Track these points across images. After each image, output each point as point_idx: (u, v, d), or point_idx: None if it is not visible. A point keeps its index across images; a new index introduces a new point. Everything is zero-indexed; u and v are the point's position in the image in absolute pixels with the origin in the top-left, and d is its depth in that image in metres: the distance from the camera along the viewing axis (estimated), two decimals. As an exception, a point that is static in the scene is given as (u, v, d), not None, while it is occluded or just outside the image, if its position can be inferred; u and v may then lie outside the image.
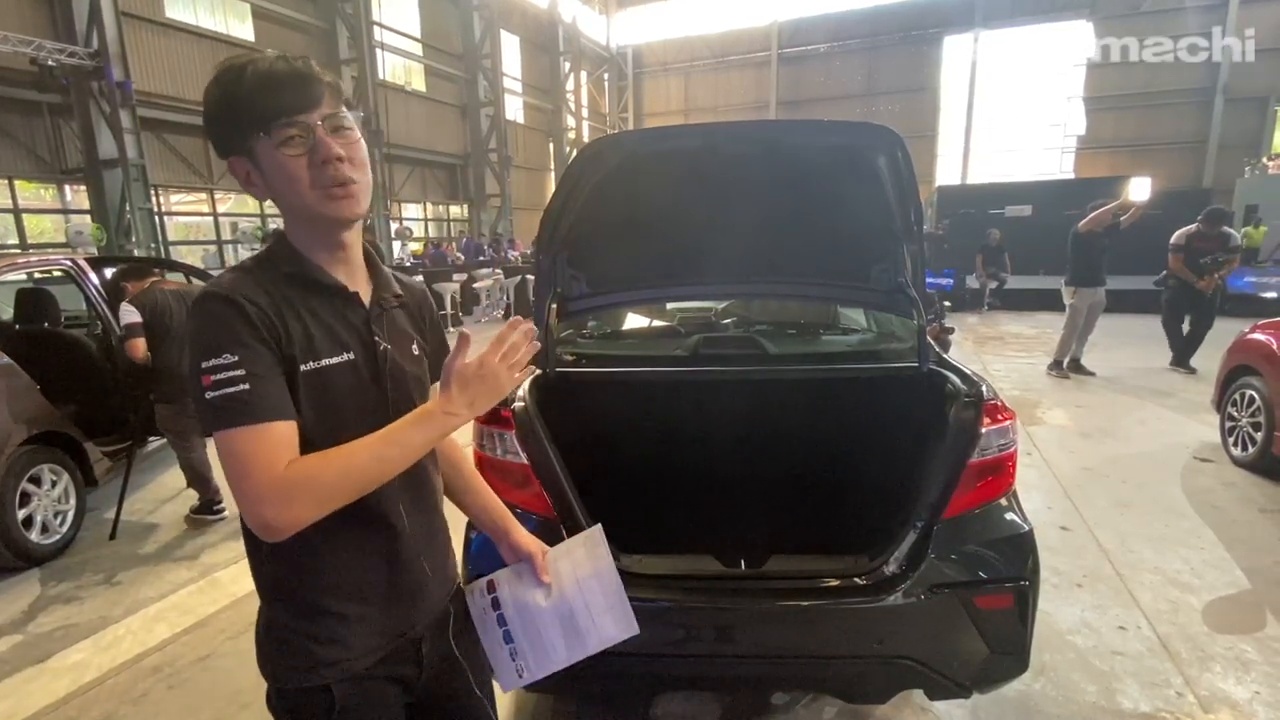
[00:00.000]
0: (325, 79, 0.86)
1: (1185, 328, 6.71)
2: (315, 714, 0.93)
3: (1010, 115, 22.20)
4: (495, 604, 1.16)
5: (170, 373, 3.45)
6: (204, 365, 0.80)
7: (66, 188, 11.36)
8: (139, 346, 3.37)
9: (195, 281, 4.68)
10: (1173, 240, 6.56)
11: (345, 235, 0.93)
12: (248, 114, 0.82)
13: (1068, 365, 6.80)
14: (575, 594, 1.15)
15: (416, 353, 1.03)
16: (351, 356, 0.92)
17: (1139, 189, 6.71)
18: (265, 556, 0.93)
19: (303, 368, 0.87)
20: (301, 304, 0.89)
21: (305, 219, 0.90)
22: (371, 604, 0.95)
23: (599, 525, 1.23)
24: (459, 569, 1.24)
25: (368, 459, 0.82)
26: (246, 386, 0.79)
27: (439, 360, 1.08)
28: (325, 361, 0.89)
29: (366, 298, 0.97)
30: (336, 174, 0.85)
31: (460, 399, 0.86)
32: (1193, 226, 6.45)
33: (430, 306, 1.12)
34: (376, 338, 0.95)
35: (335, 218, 0.88)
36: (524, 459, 1.76)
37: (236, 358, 0.80)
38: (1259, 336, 4.25)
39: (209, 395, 0.79)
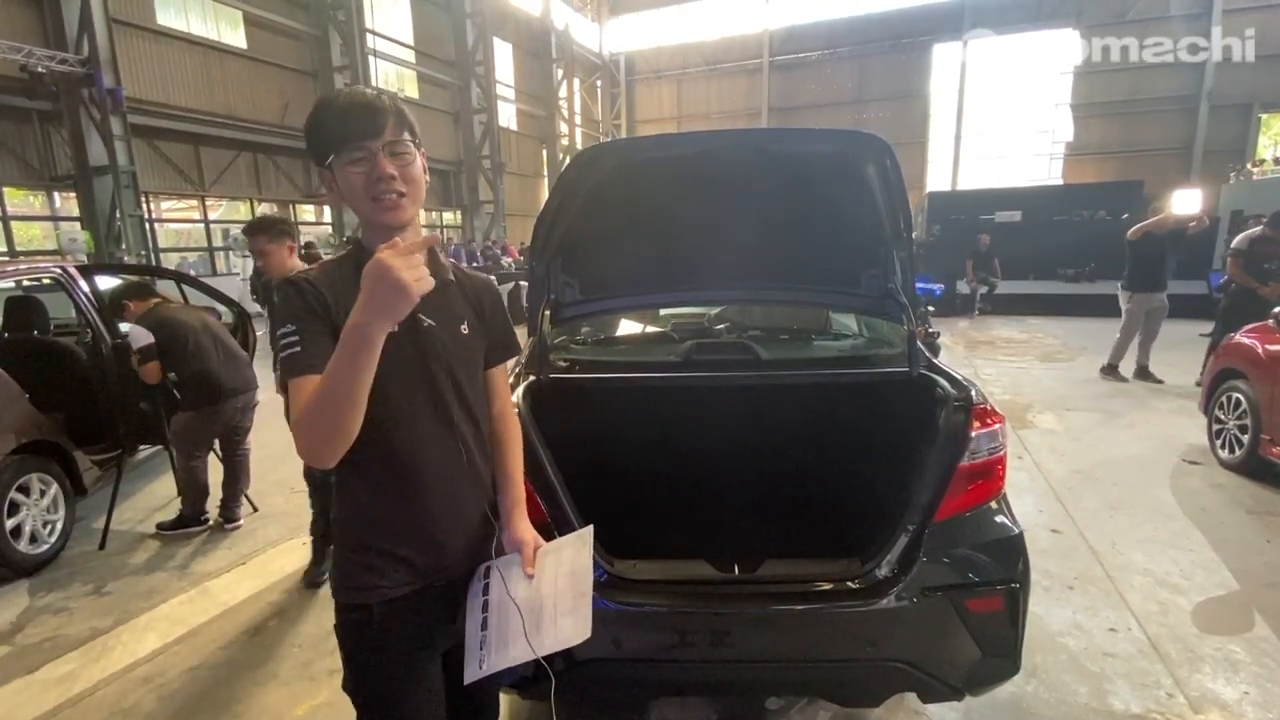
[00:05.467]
0: (392, 112, 1.07)
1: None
2: (360, 624, 1.14)
3: (999, 122, 22.45)
4: (485, 590, 1.22)
5: (198, 380, 3.48)
6: (277, 334, 1.04)
7: (56, 194, 11.28)
8: (155, 370, 3.43)
9: (188, 290, 4.65)
10: (1234, 244, 6.13)
11: (397, 235, 1.08)
12: (329, 137, 1.05)
13: (1134, 374, 6.60)
14: (549, 591, 1.19)
15: (466, 332, 1.21)
16: (394, 328, 1.06)
17: (1184, 202, 6.56)
18: (335, 496, 1.17)
19: None
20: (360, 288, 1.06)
21: (365, 222, 1.12)
22: (406, 546, 1.14)
23: (590, 526, 1.26)
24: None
25: (318, 387, 0.96)
26: (298, 349, 1.01)
27: (500, 345, 1.29)
28: None
29: None
30: (386, 188, 1.06)
31: (359, 304, 0.91)
32: (1257, 230, 6.00)
33: (492, 296, 1.31)
34: (420, 314, 1.10)
35: (381, 223, 1.08)
36: (518, 464, 1.76)
37: (294, 327, 1.03)
38: (1245, 340, 4.31)
39: (278, 356, 1.03)
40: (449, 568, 1.20)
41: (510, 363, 1.37)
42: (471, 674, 1.19)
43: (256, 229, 3.04)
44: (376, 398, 1.05)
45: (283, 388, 1.05)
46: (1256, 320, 5.83)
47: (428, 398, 1.14)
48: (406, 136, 1.08)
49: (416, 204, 1.10)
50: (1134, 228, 6.40)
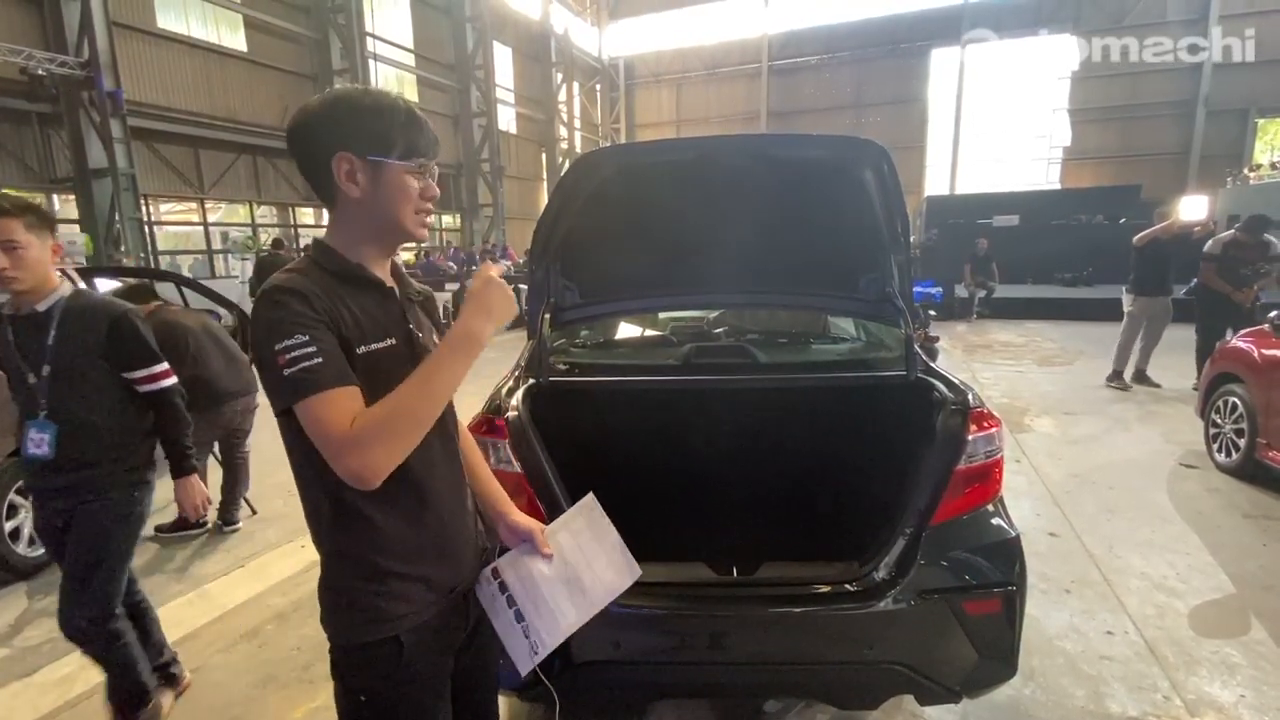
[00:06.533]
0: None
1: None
2: (384, 662, 1.05)
3: (997, 127, 22.52)
4: (503, 588, 1.22)
5: (198, 383, 3.46)
6: (278, 347, 0.92)
7: (55, 197, 11.28)
8: None
9: (188, 294, 4.65)
10: (1206, 248, 6.03)
11: (399, 247, 1.13)
12: (400, 138, 1.01)
13: (1132, 377, 6.54)
14: (577, 557, 1.24)
15: (438, 341, 1.17)
16: (394, 342, 1.07)
17: (1191, 208, 6.62)
18: (327, 527, 1.05)
19: (358, 350, 1.00)
20: (349, 297, 1.03)
21: (386, 228, 1.06)
22: (426, 564, 1.09)
23: (591, 494, 1.30)
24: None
25: (414, 391, 0.94)
26: (319, 361, 0.92)
27: None
28: (375, 345, 1.03)
29: (396, 294, 1.14)
30: (430, 208, 1.09)
31: (478, 311, 0.98)
32: (1229, 234, 6.00)
33: (435, 307, 1.28)
34: (412, 325, 1.11)
35: (417, 237, 1.08)
36: (518, 468, 1.77)
37: (307, 338, 0.93)
38: (1241, 344, 4.33)
39: (286, 372, 0.92)
40: (462, 578, 1.18)
41: None
42: (526, 664, 1.19)
43: (3, 211, 1.76)
44: None
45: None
46: (1232, 323, 5.79)
47: None
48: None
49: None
50: (1140, 234, 6.36)
